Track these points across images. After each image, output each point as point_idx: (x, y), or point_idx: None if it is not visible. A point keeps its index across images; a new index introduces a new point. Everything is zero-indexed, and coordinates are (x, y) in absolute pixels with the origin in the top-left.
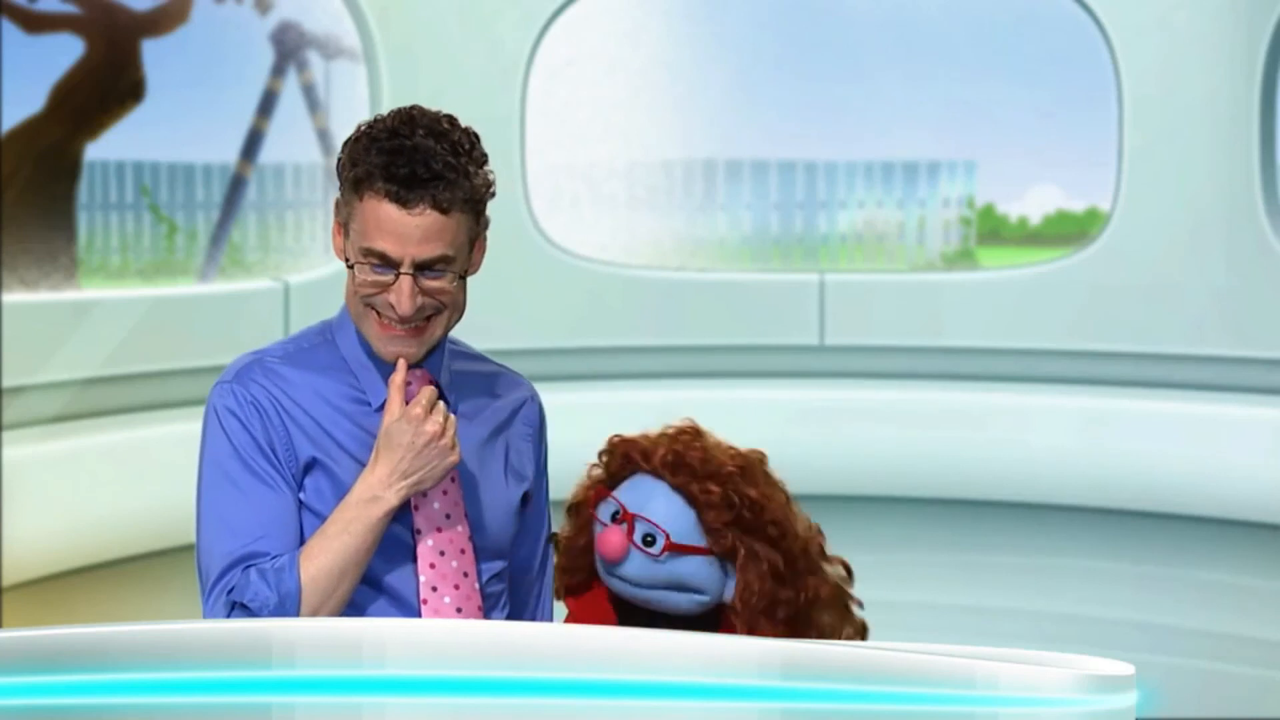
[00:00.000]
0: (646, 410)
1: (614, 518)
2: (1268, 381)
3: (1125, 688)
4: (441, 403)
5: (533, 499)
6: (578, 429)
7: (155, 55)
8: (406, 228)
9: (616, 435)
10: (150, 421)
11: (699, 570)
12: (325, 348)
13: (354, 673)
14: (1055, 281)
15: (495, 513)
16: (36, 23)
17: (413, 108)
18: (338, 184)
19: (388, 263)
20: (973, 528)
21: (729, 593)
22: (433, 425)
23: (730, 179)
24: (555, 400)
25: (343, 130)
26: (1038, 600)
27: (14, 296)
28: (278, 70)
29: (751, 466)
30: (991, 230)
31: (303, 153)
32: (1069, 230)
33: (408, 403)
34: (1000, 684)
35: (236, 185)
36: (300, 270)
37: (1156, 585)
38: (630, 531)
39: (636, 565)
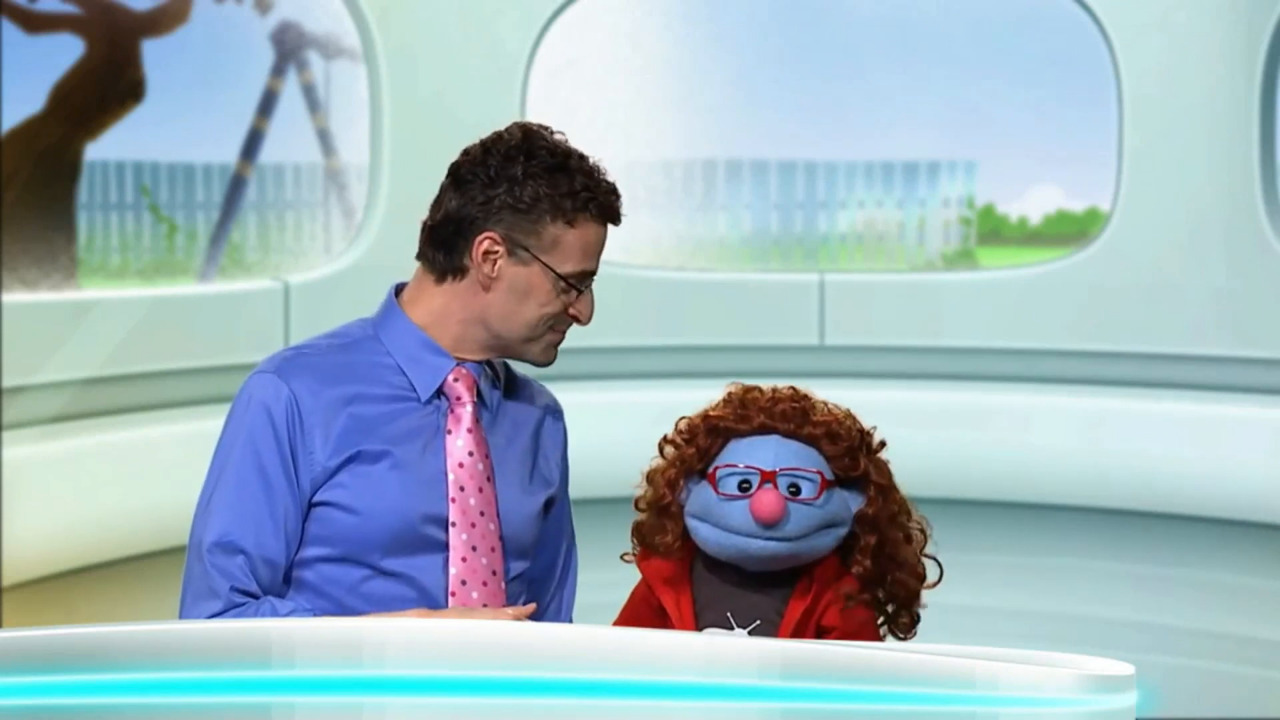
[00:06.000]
0: (646, 410)
1: (740, 486)
2: (1268, 381)
3: (1125, 688)
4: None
5: (556, 507)
6: (577, 429)
7: (155, 55)
8: (603, 243)
9: (690, 417)
10: (150, 421)
11: (841, 503)
12: (369, 344)
13: (354, 673)
14: (1055, 281)
15: (523, 513)
16: (36, 23)
17: (529, 126)
18: (492, 202)
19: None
20: (973, 528)
21: (845, 523)
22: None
23: (730, 179)
24: None
25: (343, 130)
26: (1038, 600)
27: (14, 296)
28: (278, 70)
29: (850, 423)
30: (991, 230)
31: (303, 153)
32: (1069, 230)
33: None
34: (1000, 684)
35: (236, 185)
36: (300, 270)
37: (1156, 585)
38: (776, 488)
39: (798, 518)
